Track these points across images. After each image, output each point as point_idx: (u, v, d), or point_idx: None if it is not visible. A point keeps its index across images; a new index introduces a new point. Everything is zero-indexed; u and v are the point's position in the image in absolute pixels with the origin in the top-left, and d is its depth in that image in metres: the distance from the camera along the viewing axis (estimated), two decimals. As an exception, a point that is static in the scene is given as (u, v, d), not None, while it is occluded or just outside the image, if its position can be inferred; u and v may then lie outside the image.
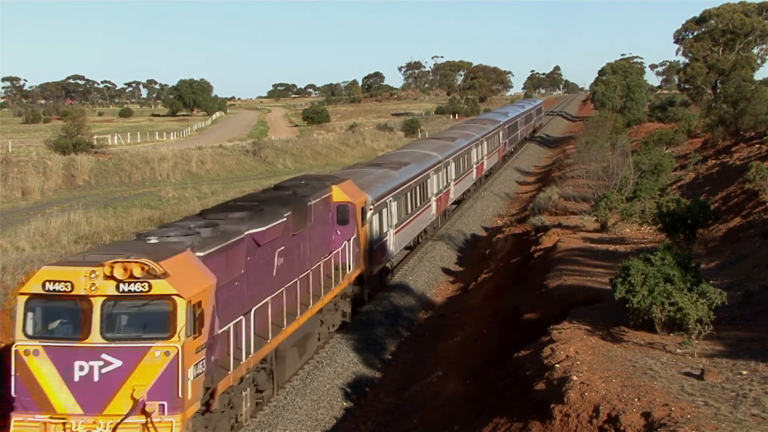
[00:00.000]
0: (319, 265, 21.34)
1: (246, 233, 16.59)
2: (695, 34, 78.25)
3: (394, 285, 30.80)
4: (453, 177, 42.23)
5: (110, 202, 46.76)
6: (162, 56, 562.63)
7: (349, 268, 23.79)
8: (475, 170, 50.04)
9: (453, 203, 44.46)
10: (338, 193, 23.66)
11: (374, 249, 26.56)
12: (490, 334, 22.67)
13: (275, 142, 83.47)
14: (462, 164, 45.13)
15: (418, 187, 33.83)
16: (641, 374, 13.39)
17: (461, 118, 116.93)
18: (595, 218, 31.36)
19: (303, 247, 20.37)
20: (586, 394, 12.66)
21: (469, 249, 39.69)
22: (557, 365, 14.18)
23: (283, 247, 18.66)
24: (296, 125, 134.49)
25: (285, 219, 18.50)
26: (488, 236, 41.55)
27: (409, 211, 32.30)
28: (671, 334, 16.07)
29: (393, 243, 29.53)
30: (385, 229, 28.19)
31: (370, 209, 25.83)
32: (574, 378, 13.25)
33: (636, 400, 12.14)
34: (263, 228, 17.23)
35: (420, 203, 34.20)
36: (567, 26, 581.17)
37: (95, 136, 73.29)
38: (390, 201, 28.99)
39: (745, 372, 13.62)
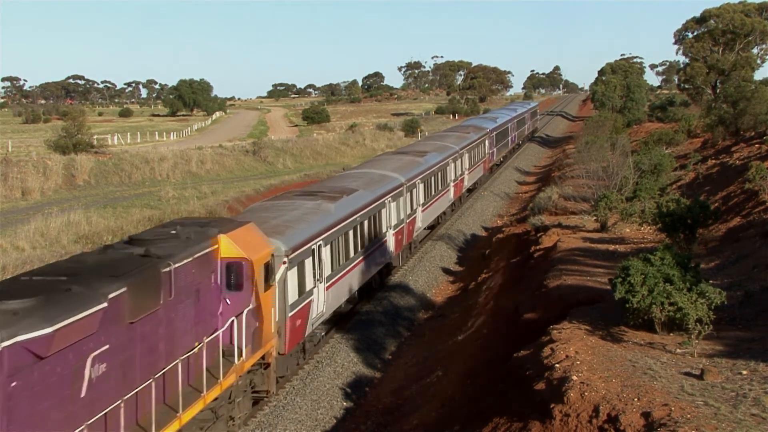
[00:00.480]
0: (183, 360, 14.36)
1: (8, 343, 10.14)
2: (695, 34, 78.29)
3: (394, 285, 30.83)
4: (421, 201, 35.38)
5: (110, 202, 46.77)
6: (162, 56, 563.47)
7: (242, 354, 16.70)
8: (452, 189, 43.19)
9: (427, 227, 38.40)
10: (228, 246, 16.62)
11: (290, 316, 19.82)
12: (490, 334, 22.67)
13: (275, 142, 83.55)
14: (434, 184, 38.42)
15: (366, 222, 27.16)
16: (641, 374, 13.40)
17: (461, 118, 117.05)
18: (595, 218, 31.37)
19: (152, 337, 13.68)
20: (586, 394, 12.66)
21: (469, 249, 39.72)
22: (557, 365, 14.18)
23: (105, 348, 12.10)
24: (296, 125, 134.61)
25: (106, 304, 12.00)
26: (488, 236, 41.58)
27: (351, 254, 25.38)
28: (671, 334, 16.08)
29: (323, 303, 22.45)
30: (310, 286, 21.28)
31: (284, 262, 19.32)
32: (574, 378, 13.26)
33: (636, 400, 12.14)
34: (52, 327, 10.68)
35: (369, 241, 27.48)
36: (567, 26, 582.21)
37: (95, 136, 73.30)
38: (320, 246, 22.20)
39: (745, 372, 13.63)
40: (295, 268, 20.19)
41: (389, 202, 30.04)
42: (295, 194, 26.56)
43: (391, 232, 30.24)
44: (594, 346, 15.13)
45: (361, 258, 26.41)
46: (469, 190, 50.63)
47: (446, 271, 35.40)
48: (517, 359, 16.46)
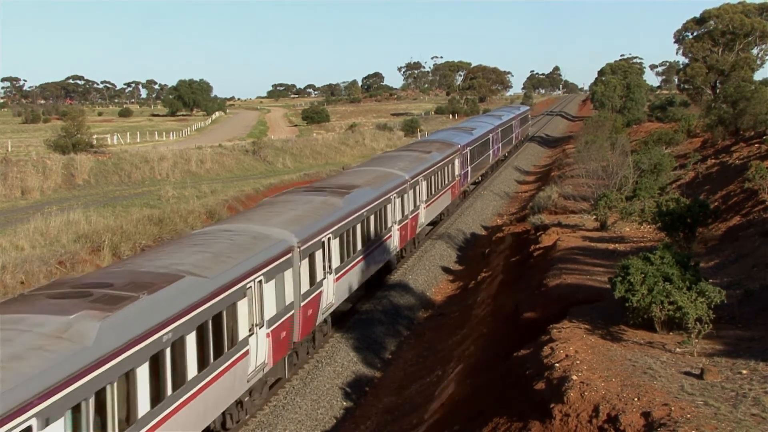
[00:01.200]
0: None
1: None
2: (695, 34, 78.37)
3: (393, 284, 30.80)
4: (334, 266, 23.52)
5: (110, 202, 46.73)
6: (162, 56, 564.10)
7: None
8: (396, 234, 31.34)
9: (358, 289, 27.13)
10: None
11: None
12: (490, 333, 22.66)
13: (275, 141, 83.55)
14: (361, 235, 26.51)
15: (204, 331, 15.47)
16: (641, 373, 13.38)
17: (461, 118, 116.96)
18: (594, 217, 31.38)
19: None
20: (586, 393, 12.65)
21: (469, 248, 39.70)
22: (557, 364, 14.16)
23: None
24: (296, 125, 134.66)
25: None
26: (488, 235, 41.57)
27: (168, 392, 14.18)
28: (671, 333, 16.07)
29: None
30: None
31: None
32: (574, 377, 13.24)
33: (636, 399, 12.12)
34: None
35: (217, 354, 16.01)
36: (567, 26, 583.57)
37: (95, 136, 73.24)
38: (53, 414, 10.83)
39: (744, 371, 13.61)
40: None
41: (259, 283, 18.07)
42: (67, 284, 14.63)
43: (264, 330, 18.46)
44: (594, 346, 15.11)
45: (192, 392, 14.99)
46: (433, 223, 40.66)
47: (446, 270, 35.38)
48: (517, 358, 16.44)
